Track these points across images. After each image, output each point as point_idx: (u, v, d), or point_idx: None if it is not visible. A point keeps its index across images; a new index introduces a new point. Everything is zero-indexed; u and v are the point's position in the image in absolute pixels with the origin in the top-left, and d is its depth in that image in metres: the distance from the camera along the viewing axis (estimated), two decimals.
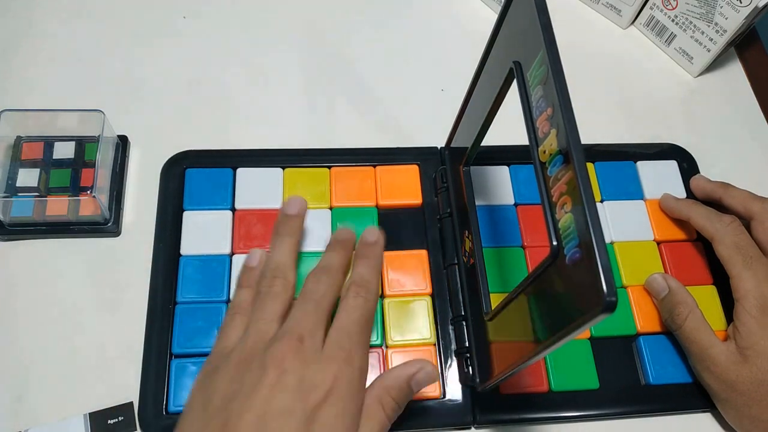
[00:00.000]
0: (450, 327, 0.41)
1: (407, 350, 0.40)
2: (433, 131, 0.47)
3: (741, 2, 0.48)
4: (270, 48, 0.52)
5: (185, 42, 0.51)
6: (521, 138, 0.30)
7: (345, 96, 0.50)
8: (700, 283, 0.44)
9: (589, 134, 0.49)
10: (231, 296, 0.40)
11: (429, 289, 0.42)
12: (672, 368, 0.41)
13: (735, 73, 0.55)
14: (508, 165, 0.46)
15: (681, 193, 0.47)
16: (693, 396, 0.41)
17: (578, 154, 0.25)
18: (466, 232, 0.41)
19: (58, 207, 0.42)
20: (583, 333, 0.40)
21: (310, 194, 0.44)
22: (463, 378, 0.40)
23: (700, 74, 0.55)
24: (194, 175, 0.44)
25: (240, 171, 0.45)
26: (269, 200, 0.44)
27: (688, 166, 0.49)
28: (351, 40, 0.53)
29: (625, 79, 0.54)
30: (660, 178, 0.48)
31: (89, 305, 0.41)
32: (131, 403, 0.38)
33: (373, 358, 0.40)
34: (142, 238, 0.42)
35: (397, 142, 0.48)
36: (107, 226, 0.43)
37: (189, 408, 0.32)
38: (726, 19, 0.49)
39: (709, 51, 0.52)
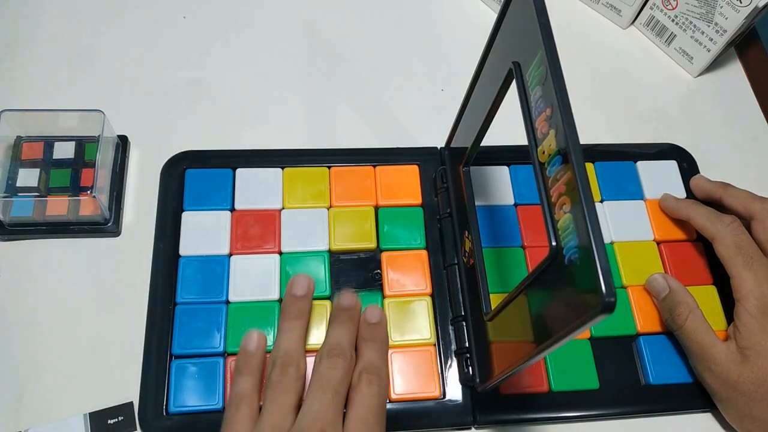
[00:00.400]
0: (450, 327, 0.41)
1: (407, 350, 0.40)
2: (433, 131, 0.47)
3: (741, 2, 0.48)
4: (270, 48, 0.52)
5: (185, 42, 0.51)
6: (521, 138, 0.30)
7: (345, 96, 0.50)
8: (701, 283, 0.44)
9: (589, 134, 0.49)
10: (230, 384, 0.37)
11: (429, 289, 0.42)
12: (672, 368, 0.41)
13: (735, 73, 0.55)
14: (508, 165, 0.46)
15: (681, 193, 0.47)
16: (693, 396, 0.41)
17: (577, 155, 0.25)
18: (466, 232, 0.41)
19: (58, 207, 0.42)
20: (583, 333, 0.40)
21: (309, 193, 0.44)
22: (463, 378, 0.40)
23: (700, 74, 0.55)
24: (194, 175, 0.44)
25: (239, 171, 0.45)
26: (269, 200, 0.44)
27: (688, 166, 0.49)
28: (351, 41, 0.53)
29: (624, 79, 0.54)
30: (660, 178, 0.48)
31: (89, 305, 0.41)
32: (131, 403, 0.38)
33: None
34: (142, 238, 0.42)
35: (397, 142, 0.48)
36: (107, 226, 0.43)
37: None
38: (726, 19, 0.49)
39: (709, 51, 0.52)
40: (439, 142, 0.46)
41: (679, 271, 0.44)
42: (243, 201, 0.44)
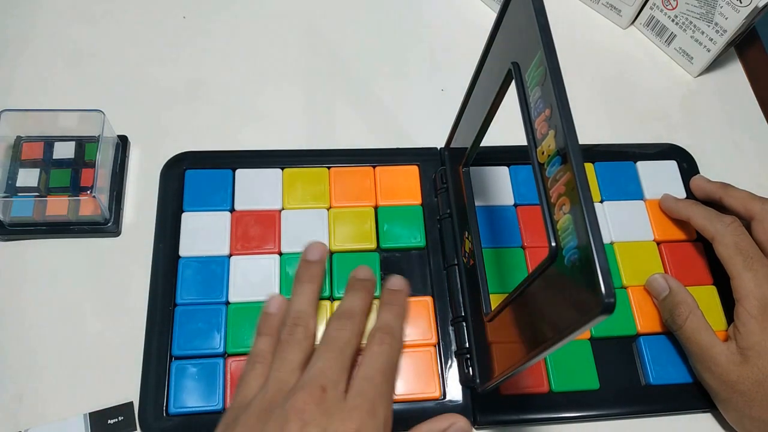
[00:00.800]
0: (450, 328, 0.41)
1: (408, 351, 0.40)
2: (432, 131, 0.47)
3: (741, 2, 0.48)
4: (270, 48, 0.52)
5: (185, 42, 0.51)
6: (521, 138, 0.30)
7: (344, 96, 0.50)
8: (701, 284, 0.44)
9: (589, 134, 0.49)
10: (251, 343, 0.37)
11: (429, 290, 0.42)
12: (672, 368, 0.41)
13: (735, 73, 0.55)
14: (508, 165, 0.46)
15: (681, 193, 0.47)
16: (693, 396, 0.41)
17: (576, 155, 0.25)
18: (466, 232, 0.41)
19: (58, 207, 0.42)
20: (583, 333, 0.40)
21: (309, 194, 0.44)
22: (464, 379, 0.40)
23: (700, 74, 0.55)
24: (194, 176, 0.44)
25: (239, 172, 0.45)
26: (269, 201, 0.44)
27: (688, 166, 0.49)
28: (351, 41, 0.53)
29: (625, 79, 0.54)
30: (660, 179, 0.48)
31: (89, 305, 0.41)
32: (131, 403, 0.38)
33: None
34: (142, 238, 0.42)
35: (396, 142, 0.48)
36: (107, 226, 0.43)
37: None
38: (726, 19, 0.49)
39: (709, 51, 0.52)
40: (439, 143, 0.46)
41: (679, 272, 0.44)
42: (243, 201, 0.44)
